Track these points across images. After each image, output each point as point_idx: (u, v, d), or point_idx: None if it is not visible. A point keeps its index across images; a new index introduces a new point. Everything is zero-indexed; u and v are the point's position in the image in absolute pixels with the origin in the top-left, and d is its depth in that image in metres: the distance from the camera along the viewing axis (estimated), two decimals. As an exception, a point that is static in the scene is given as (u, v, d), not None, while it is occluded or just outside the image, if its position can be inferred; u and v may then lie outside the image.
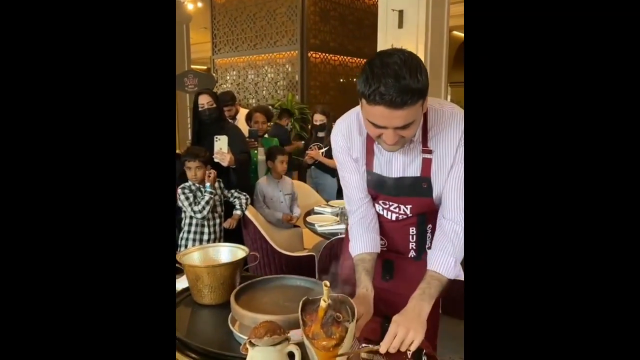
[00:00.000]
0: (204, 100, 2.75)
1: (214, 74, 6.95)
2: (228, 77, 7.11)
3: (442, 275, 1.11)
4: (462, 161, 1.10)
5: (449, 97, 8.55)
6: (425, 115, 1.08)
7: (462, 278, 1.13)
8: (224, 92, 4.10)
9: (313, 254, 2.39)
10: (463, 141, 1.09)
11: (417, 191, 1.15)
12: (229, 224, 2.57)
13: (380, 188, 1.20)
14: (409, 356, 1.06)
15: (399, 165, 1.15)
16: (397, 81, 0.90)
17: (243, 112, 3.98)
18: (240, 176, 2.70)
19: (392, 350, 0.97)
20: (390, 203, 1.21)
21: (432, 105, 1.11)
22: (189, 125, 5.53)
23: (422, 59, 4.67)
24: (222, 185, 2.58)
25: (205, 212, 2.43)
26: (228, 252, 1.46)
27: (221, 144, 2.65)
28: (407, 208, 1.20)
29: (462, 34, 10.70)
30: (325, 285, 0.95)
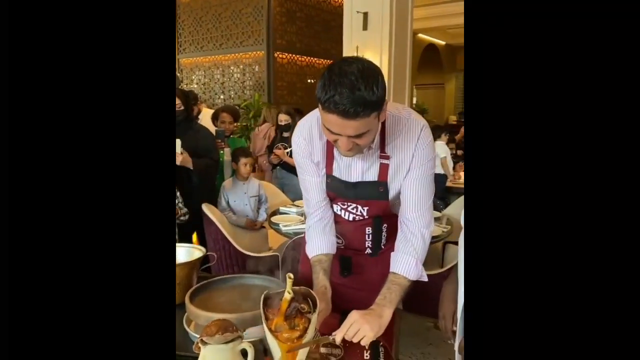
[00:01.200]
0: None
1: (178, 74, 6.84)
2: (194, 77, 7.00)
3: (403, 277, 1.13)
4: (421, 165, 1.13)
5: (414, 99, 8.72)
6: (383, 122, 1.10)
7: (424, 279, 1.16)
8: (190, 92, 4.04)
9: (277, 254, 2.38)
10: (420, 147, 1.12)
11: (374, 195, 1.19)
12: None
13: (339, 191, 1.22)
14: (367, 349, 1.08)
15: (357, 170, 1.17)
16: (352, 92, 0.90)
17: (207, 112, 3.93)
18: (204, 180, 2.65)
19: (347, 338, 0.99)
20: (349, 204, 1.24)
21: (391, 111, 1.13)
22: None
23: (387, 60, 4.81)
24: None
25: None
26: (185, 253, 1.44)
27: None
28: (364, 210, 1.23)
29: (427, 37, 10.94)
30: (289, 277, 0.96)
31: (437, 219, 2.75)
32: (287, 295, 0.96)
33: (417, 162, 1.13)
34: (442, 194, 4.28)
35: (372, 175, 1.17)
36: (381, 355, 1.09)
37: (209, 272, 1.60)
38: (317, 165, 1.21)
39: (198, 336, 0.89)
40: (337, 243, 1.33)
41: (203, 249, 1.42)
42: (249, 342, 0.92)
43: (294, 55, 6.43)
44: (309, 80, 6.70)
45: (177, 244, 1.48)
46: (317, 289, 1.15)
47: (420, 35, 10.26)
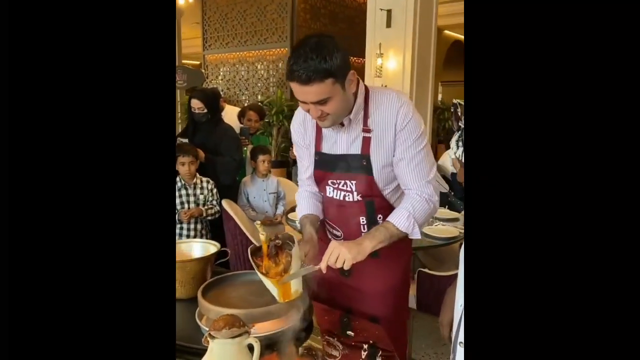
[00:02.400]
0: (195, 105, 2.83)
1: (204, 70, 6.95)
2: (220, 73, 7.10)
3: (392, 225, 1.23)
4: (406, 140, 1.22)
5: (439, 96, 8.56)
6: (367, 98, 1.24)
7: (416, 235, 1.26)
8: (202, 91, 4.12)
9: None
10: (401, 121, 1.21)
11: (358, 167, 1.28)
12: (191, 213, 2.55)
13: (327, 166, 1.33)
14: (364, 349, 1.11)
15: (343, 143, 1.29)
16: (305, 61, 1.07)
17: (230, 109, 4.00)
18: (220, 177, 2.74)
19: (330, 264, 1.12)
20: (338, 181, 1.32)
21: (373, 89, 1.27)
22: (179, 120, 5.53)
23: (410, 57, 4.76)
24: (210, 186, 2.62)
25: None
26: (200, 248, 1.49)
27: None
28: (352, 184, 1.30)
29: (453, 34, 10.76)
30: (258, 224, 1.17)
31: (455, 220, 2.73)
32: (262, 237, 1.13)
33: (403, 138, 1.22)
34: (462, 194, 4.23)
35: (356, 148, 1.27)
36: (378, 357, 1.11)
37: (227, 267, 1.64)
38: (307, 147, 1.36)
39: (207, 329, 0.93)
40: (337, 236, 1.40)
41: (218, 244, 1.47)
42: (255, 337, 0.95)
43: (317, 52, 6.43)
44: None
45: (194, 240, 1.53)
46: (305, 237, 1.31)
47: (446, 32, 10.08)
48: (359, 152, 1.26)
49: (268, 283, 1.10)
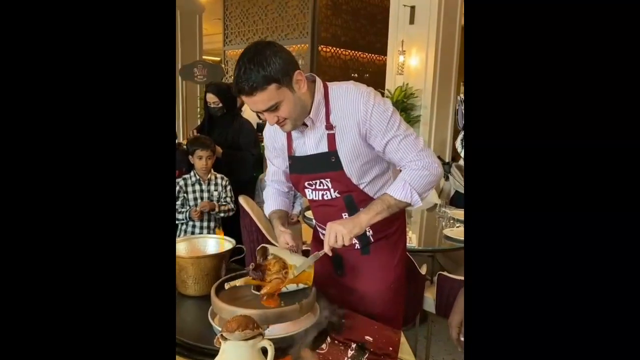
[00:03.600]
0: (210, 99, 2.81)
1: (224, 66, 6.96)
2: (239, 69, 7.09)
3: (388, 195, 1.23)
4: (380, 127, 1.20)
5: (461, 94, 8.41)
6: (326, 96, 1.24)
7: (416, 203, 1.24)
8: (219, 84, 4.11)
9: (309, 249, 2.37)
10: (365, 110, 1.19)
11: (328, 165, 1.27)
12: (201, 207, 2.50)
13: (300, 169, 1.34)
14: (351, 348, 1.11)
15: (311, 144, 1.29)
16: (245, 72, 1.09)
17: (249, 105, 3.96)
18: (236, 172, 2.71)
19: (331, 245, 1.17)
20: (314, 182, 1.33)
21: (332, 85, 1.26)
22: (198, 115, 5.55)
23: (433, 55, 4.66)
24: (224, 182, 2.59)
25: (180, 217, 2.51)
26: (215, 244, 1.45)
27: None
28: (328, 182, 1.30)
29: (477, 32, 10.51)
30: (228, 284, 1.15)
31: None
32: (240, 282, 1.15)
33: (374, 126, 1.20)
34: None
35: (323, 147, 1.27)
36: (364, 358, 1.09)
37: (242, 265, 1.60)
38: (279, 150, 1.38)
39: (220, 329, 0.89)
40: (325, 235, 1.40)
41: (233, 240, 1.43)
42: (269, 339, 0.91)
43: (338, 49, 6.38)
44: (352, 74, 6.63)
45: (208, 235, 1.49)
46: (276, 231, 1.35)
47: (470, 30, 9.88)
48: (327, 150, 1.26)
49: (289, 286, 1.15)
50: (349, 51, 6.53)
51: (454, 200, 3.90)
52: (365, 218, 1.19)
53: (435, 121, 4.91)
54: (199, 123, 4.09)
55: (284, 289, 1.17)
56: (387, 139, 1.22)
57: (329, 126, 1.24)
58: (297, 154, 1.34)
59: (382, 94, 4.96)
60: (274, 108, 1.15)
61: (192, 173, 2.54)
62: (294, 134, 1.30)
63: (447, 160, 4.83)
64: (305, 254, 1.35)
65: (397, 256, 1.41)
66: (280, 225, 1.37)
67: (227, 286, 1.16)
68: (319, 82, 1.26)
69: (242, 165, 2.80)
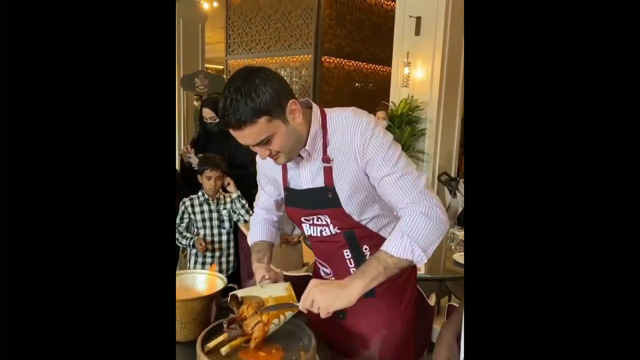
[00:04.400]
0: (207, 115, 2.69)
1: (225, 76, 6.88)
2: (241, 79, 7.01)
3: (384, 253, 1.02)
4: (378, 161, 1.06)
5: None
6: (324, 125, 1.11)
7: (419, 261, 1.03)
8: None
9: (310, 274, 2.24)
10: (362, 142, 1.06)
11: (326, 202, 1.14)
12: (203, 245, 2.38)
13: (296, 202, 1.21)
14: None
15: (306, 177, 1.16)
16: (231, 105, 0.97)
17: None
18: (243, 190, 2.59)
19: (305, 308, 1.00)
20: (311, 217, 1.20)
21: (331, 113, 1.13)
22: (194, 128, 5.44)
23: (439, 66, 4.55)
24: (242, 201, 2.44)
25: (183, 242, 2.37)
26: (205, 281, 1.32)
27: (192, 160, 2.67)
28: (326, 218, 1.17)
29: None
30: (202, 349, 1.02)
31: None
32: (224, 351, 1.02)
33: (371, 158, 1.07)
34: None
35: (319, 181, 1.14)
36: None
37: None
38: (273, 179, 1.27)
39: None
40: (326, 273, 1.29)
41: (224, 278, 1.30)
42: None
43: (341, 60, 6.28)
44: (356, 85, 6.54)
45: (198, 271, 1.36)
46: (254, 265, 1.25)
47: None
48: (323, 185, 1.13)
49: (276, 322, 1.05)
50: (353, 62, 6.43)
51: (462, 219, 3.76)
52: (360, 286, 0.98)
53: (441, 134, 4.78)
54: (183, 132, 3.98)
55: (273, 326, 1.04)
56: (382, 175, 1.07)
57: (326, 159, 1.11)
58: (291, 186, 1.21)
59: (387, 106, 4.85)
60: (265, 142, 1.03)
61: (200, 192, 2.41)
62: (289, 163, 1.18)
63: (453, 176, 4.70)
64: (307, 281, 1.22)
65: (407, 297, 1.28)
66: (255, 261, 1.25)
67: (207, 348, 1.03)
68: (316, 110, 1.12)
69: (240, 183, 2.68)
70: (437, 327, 2.08)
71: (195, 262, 2.42)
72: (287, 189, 1.22)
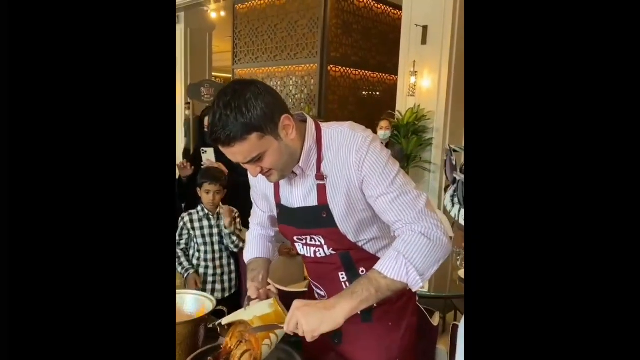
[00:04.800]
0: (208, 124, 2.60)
1: (232, 84, 6.86)
2: (248, 87, 6.99)
3: (377, 273, 0.95)
4: (386, 177, 1.00)
5: (450, 145, 8.30)
6: (319, 140, 1.05)
7: (415, 286, 0.95)
8: None
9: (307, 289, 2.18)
10: (357, 159, 1.00)
11: (320, 221, 1.08)
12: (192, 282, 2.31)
13: (288, 220, 1.16)
14: None
15: (298, 194, 1.10)
16: (220, 120, 0.92)
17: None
18: (237, 201, 2.52)
19: (290, 330, 0.95)
20: (304, 237, 1.14)
21: (326, 127, 1.07)
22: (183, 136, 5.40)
23: (446, 76, 4.49)
24: (233, 214, 2.36)
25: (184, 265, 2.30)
26: (193, 302, 1.27)
27: (208, 155, 2.52)
28: (320, 239, 1.11)
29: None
30: None
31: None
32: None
33: (367, 175, 1.00)
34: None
35: (312, 200, 1.08)
36: None
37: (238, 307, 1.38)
38: (264, 194, 1.22)
39: None
40: (321, 296, 1.22)
41: (213, 299, 1.24)
42: None
43: (347, 69, 6.24)
44: (363, 94, 6.49)
45: (186, 291, 1.31)
46: (248, 283, 1.20)
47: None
48: (316, 204, 1.07)
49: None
50: (359, 71, 6.38)
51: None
52: (346, 308, 0.92)
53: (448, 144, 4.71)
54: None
55: (266, 347, 0.99)
56: (378, 193, 1.01)
57: (320, 176, 1.05)
58: (283, 203, 1.15)
59: (392, 115, 4.79)
60: (256, 159, 0.98)
61: (199, 207, 2.32)
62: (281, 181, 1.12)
63: (460, 186, 4.61)
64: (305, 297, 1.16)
65: (406, 322, 1.21)
66: (249, 280, 1.21)
67: None
68: (310, 124, 1.06)
69: (243, 192, 2.62)
70: (441, 347, 2.00)
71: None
72: (279, 206, 1.17)
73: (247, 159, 0.97)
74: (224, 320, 1.02)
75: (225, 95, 0.94)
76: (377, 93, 6.64)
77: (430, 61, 4.61)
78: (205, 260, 2.30)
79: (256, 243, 1.32)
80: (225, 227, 2.29)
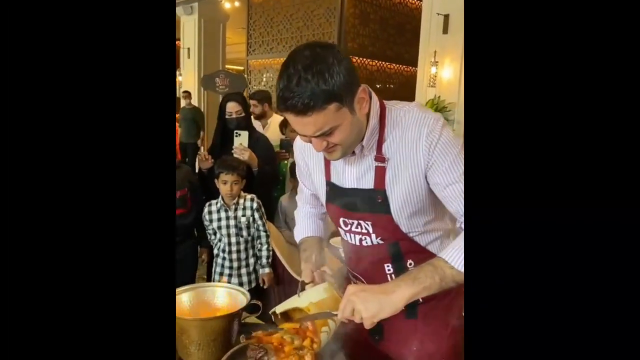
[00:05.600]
0: (233, 109, 2.50)
1: (246, 76, 6.80)
2: (263, 79, 6.93)
3: (444, 262, 0.89)
4: (457, 165, 0.92)
5: None
6: (383, 119, 0.96)
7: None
8: (258, 91, 3.89)
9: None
10: (429, 145, 0.92)
11: (373, 206, 0.99)
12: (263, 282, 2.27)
13: (336, 200, 1.06)
14: None
15: (351, 174, 1.01)
16: (298, 84, 0.81)
17: (276, 118, 3.73)
18: (262, 191, 2.44)
19: (345, 318, 0.89)
20: (351, 221, 1.04)
21: (391, 106, 0.99)
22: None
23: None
24: (254, 205, 2.25)
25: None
26: (225, 296, 1.19)
27: (241, 139, 2.43)
28: (368, 226, 1.02)
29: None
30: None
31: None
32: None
33: (435, 161, 0.93)
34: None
35: (368, 182, 0.99)
36: None
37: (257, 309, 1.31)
38: (313, 169, 1.12)
39: None
40: None
41: (247, 293, 1.16)
42: None
43: (364, 59, 6.12)
44: (377, 86, 6.37)
45: (218, 284, 1.23)
46: (302, 267, 1.09)
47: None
48: (372, 187, 0.98)
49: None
50: (376, 62, 6.26)
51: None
52: (407, 293, 0.87)
53: (469, 137, 4.59)
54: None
55: (324, 334, 0.93)
56: (448, 181, 0.93)
57: (380, 157, 0.96)
58: (334, 181, 1.06)
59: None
60: (327, 133, 0.87)
61: (219, 198, 2.25)
62: None
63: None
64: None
65: (454, 322, 1.12)
66: (302, 262, 1.11)
67: None
68: (374, 100, 0.97)
69: (263, 182, 2.54)
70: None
71: (214, 271, 2.29)
72: (329, 184, 1.07)
73: (319, 132, 0.87)
74: (278, 309, 0.94)
75: (303, 57, 0.83)
76: (391, 86, 6.51)
77: (451, 51, 4.48)
78: (224, 251, 2.24)
79: (305, 221, 1.23)
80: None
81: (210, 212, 2.24)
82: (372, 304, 0.85)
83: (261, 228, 2.26)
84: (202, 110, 7.32)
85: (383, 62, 6.34)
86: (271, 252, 2.26)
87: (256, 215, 2.24)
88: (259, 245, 2.27)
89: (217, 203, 2.25)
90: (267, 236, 2.27)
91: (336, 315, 0.90)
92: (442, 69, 4.56)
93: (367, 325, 0.87)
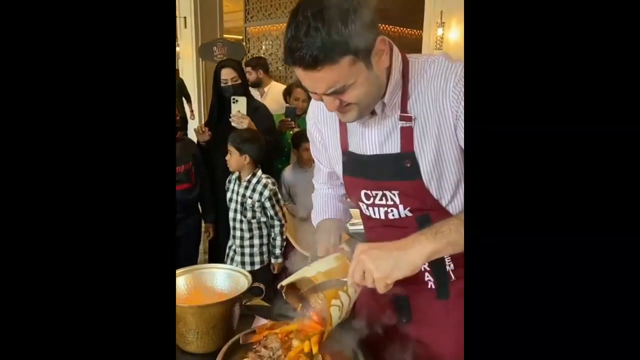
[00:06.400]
0: (228, 75, 2.35)
1: (244, 44, 6.57)
2: (262, 47, 6.71)
3: None
4: None
5: None
6: (406, 73, 0.86)
7: None
8: (256, 57, 3.74)
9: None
10: (459, 93, 0.82)
11: (399, 172, 0.89)
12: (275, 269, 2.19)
13: (357, 171, 0.95)
14: None
15: (373, 139, 0.90)
16: (307, 34, 0.71)
17: (275, 86, 3.58)
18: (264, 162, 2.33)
19: (356, 282, 0.79)
20: (375, 193, 0.93)
21: (414, 59, 0.88)
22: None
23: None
24: (266, 192, 2.10)
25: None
26: (226, 278, 1.11)
27: (239, 105, 2.30)
28: (395, 196, 0.91)
29: None
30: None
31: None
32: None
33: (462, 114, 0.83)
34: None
35: (393, 146, 0.89)
36: None
37: (259, 292, 1.23)
38: (328, 147, 1.01)
39: None
40: None
41: (249, 275, 1.08)
42: None
43: (367, 23, 5.89)
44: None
45: (217, 265, 1.15)
46: (320, 250, 0.97)
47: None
48: (399, 151, 0.88)
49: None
50: (380, 25, 6.02)
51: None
52: (422, 252, 0.77)
53: (477, 101, 4.45)
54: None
55: (335, 308, 0.83)
56: None
57: (406, 117, 0.86)
58: (352, 150, 0.95)
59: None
60: (340, 90, 0.77)
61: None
62: (350, 123, 0.93)
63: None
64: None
65: None
66: (318, 242, 1.00)
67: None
68: (396, 52, 0.86)
69: (271, 155, 2.46)
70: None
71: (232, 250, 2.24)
72: (347, 154, 0.96)
73: (331, 89, 0.77)
74: (285, 281, 0.85)
75: (313, 3, 0.72)
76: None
77: (458, 11, 4.26)
78: (229, 226, 2.17)
79: (323, 204, 1.12)
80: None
81: (229, 181, 2.22)
82: (384, 262, 0.75)
83: (274, 217, 2.13)
84: (200, 83, 7.11)
85: (385, 25, 6.09)
86: (285, 242, 2.17)
87: (267, 204, 2.11)
88: (273, 234, 2.17)
89: (234, 174, 2.20)
90: (282, 225, 2.15)
91: (345, 282, 0.80)
92: (449, 30, 4.36)
93: (381, 289, 0.76)
